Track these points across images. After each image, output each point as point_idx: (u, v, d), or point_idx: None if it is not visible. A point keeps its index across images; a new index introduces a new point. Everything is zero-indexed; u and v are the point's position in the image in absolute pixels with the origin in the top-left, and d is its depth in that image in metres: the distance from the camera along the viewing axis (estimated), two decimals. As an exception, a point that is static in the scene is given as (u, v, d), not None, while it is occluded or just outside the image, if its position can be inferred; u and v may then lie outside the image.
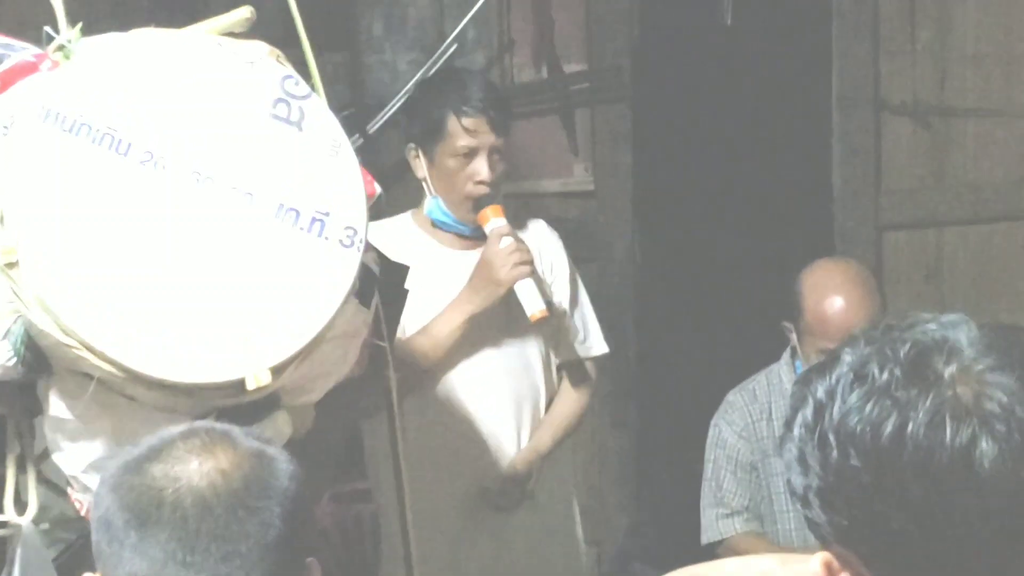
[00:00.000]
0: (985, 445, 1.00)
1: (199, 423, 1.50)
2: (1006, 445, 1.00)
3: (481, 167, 2.80)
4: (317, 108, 1.96)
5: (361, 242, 1.94)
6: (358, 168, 1.97)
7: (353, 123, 3.56)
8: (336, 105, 2.08)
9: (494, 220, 2.80)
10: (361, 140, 3.60)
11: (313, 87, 2.00)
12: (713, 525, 3.08)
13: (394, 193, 3.69)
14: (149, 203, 1.85)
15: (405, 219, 2.95)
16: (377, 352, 2.22)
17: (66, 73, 1.89)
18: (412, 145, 2.87)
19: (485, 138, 2.80)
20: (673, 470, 4.03)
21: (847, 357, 1.08)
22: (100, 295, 1.80)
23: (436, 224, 2.89)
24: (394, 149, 3.82)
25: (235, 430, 1.46)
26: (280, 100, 1.93)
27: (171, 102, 1.89)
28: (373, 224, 2.93)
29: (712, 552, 3.03)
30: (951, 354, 1.04)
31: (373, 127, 3.69)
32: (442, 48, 3.71)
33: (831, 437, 1.05)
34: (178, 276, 1.85)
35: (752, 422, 3.04)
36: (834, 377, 1.07)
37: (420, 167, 2.87)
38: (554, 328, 2.93)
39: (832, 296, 2.86)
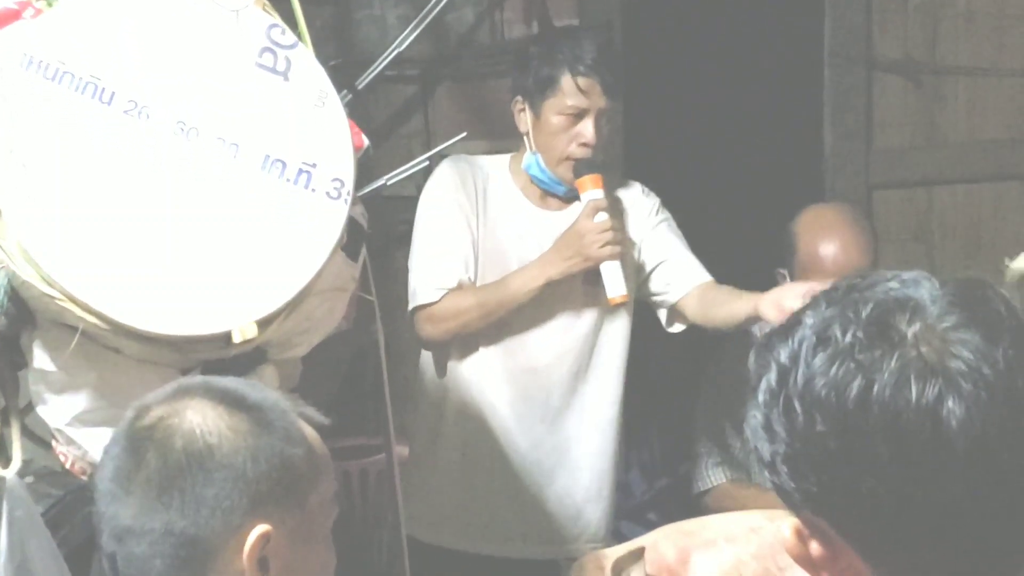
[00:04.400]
0: (952, 404, 0.98)
1: (190, 380, 1.53)
2: (973, 403, 0.98)
3: (587, 129, 2.77)
4: (304, 58, 1.93)
5: (348, 194, 1.92)
6: (345, 119, 1.95)
7: (342, 78, 3.53)
8: (323, 58, 2.05)
9: (592, 191, 2.77)
10: (350, 96, 3.57)
11: (300, 37, 1.98)
12: (703, 474, 3.08)
13: (384, 149, 3.70)
14: (133, 153, 1.83)
15: (502, 163, 2.94)
16: (365, 306, 2.21)
17: (49, 20, 1.86)
18: (519, 98, 2.84)
19: (596, 100, 2.78)
20: (661, 424, 4.03)
21: (808, 319, 1.06)
22: (84, 246, 1.78)
23: (532, 179, 2.86)
24: (383, 105, 3.81)
25: (214, 386, 1.49)
26: (266, 49, 1.91)
27: (155, 50, 1.87)
28: (464, 156, 2.95)
29: (701, 501, 3.04)
30: (914, 313, 1.02)
31: (362, 82, 3.65)
32: (431, 3, 3.67)
33: (796, 403, 1.03)
34: (163, 227, 1.83)
35: (741, 373, 3.04)
36: (796, 340, 1.05)
37: (524, 121, 2.84)
38: (671, 266, 2.91)
39: (827, 233, 2.89)
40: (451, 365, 2.89)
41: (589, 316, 2.91)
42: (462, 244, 2.82)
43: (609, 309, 2.90)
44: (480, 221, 2.84)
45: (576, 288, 2.86)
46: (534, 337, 2.87)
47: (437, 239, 2.83)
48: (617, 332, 2.95)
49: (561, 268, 2.76)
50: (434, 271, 2.80)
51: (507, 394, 2.88)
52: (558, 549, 2.93)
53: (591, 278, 2.85)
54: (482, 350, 2.87)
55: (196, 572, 1.41)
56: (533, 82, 2.81)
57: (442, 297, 2.78)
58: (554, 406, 2.90)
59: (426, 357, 2.94)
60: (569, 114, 2.77)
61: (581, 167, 2.79)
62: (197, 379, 1.53)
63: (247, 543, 1.41)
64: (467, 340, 2.85)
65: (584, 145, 2.78)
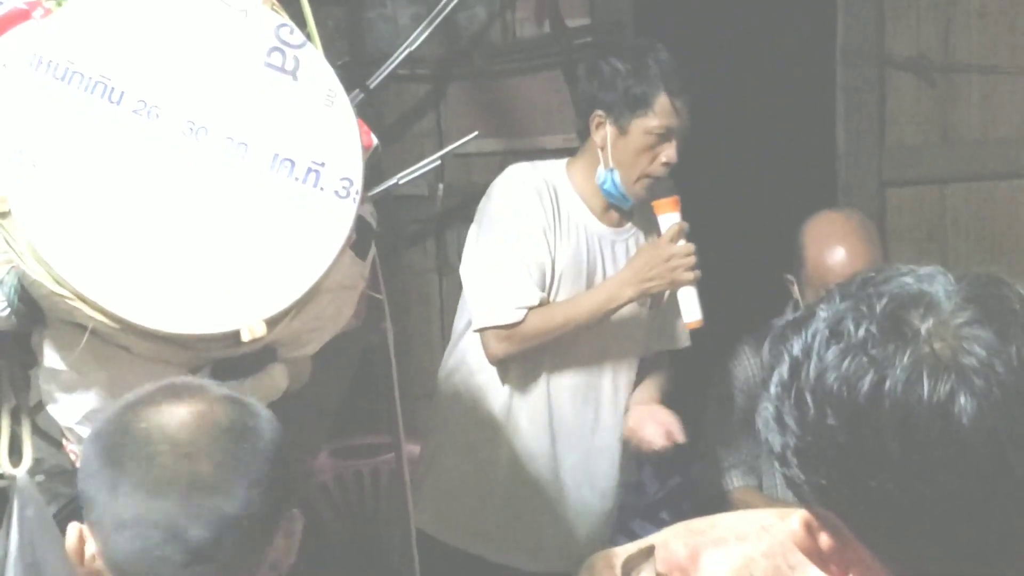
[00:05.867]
0: (963, 400, 0.97)
1: (176, 378, 1.54)
2: (985, 400, 0.97)
3: (672, 149, 2.77)
4: (312, 57, 1.94)
5: (357, 193, 1.92)
6: (354, 118, 1.95)
7: (354, 77, 3.54)
8: (334, 58, 2.06)
9: (672, 215, 2.78)
10: (362, 95, 3.57)
11: (309, 36, 1.98)
12: (712, 478, 3.08)
13: (395, 148, 3.70)
14: (142, 152, 1.84)
15: (560, 171, 2.89)
16: (374, 305, 2.21)
17: (59, 20, 1.87)
18: (600, 112, 2.80)
19: (684, 120, 2.79)
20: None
21: (822, 313, 1.06)
22: (93, 245, 1.79)
23: (603, 193, 2.83)
24: (395, 104, 3.81)
25: (209, 383, 1.53)
26: (275, 49, 1.91)
27: (164, 50, 1.87)
28: (527, 164, 2.90)
29: (711, 505, 3.03)
30: (928, 308, 1.02)
31: (374, 82, 3.65)
32: (443, 2, 3.67)
33: (808, 396, 1.03)
34: (172, 226, 1.83)
35: (751, 376, 3.04)
36: (810, 334, 1.05)
37: (602, 136, 2.80)
38: (663, 317, 2.95)
39: (833, 245, 2.87)
40: (510, 379, 2.87)
41: (638, 338, 2.93)
42: (542, 260, 2.78)
43: (650, 331, 2.93)
44: (556, 236, 2.82)
45: (634, 311, 2.87)
46: (588, 355, 2.87)
47: (516, 255, 2.77)
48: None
49: (641, 289, 2.76)
50: (514, 289, 2.76)
51: (557, 408, 2.88)
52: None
53: (645, 300, 2.87)
54: (535, 366, 2.86)
55: (261, 553, 1.44)
56: (623, 98, 2.77)
57: (525, 317, 2.75)
58: (595, 421, 2.91)
59: (459, 364, 2.93)
60: (657, 133, 2.76)
61: (658, 188, 2.79)
62: (181, 380, 1.54)
63: (293, 525, 1.48)
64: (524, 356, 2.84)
65: (666, 164, 2.77)
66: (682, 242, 2.75)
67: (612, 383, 2.92)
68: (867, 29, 3.91)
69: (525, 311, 2.74)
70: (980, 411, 0.97)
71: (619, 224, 2.89)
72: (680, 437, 2.83)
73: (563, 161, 2.93)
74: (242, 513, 1.39)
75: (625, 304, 2.78)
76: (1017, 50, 3.94)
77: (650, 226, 2.89)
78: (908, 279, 1.05)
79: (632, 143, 2.77)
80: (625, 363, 2.93)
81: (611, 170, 2.80)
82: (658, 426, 2.84)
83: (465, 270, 2.86)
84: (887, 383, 0.99)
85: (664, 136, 2.76)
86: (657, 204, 2.79)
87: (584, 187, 2.86)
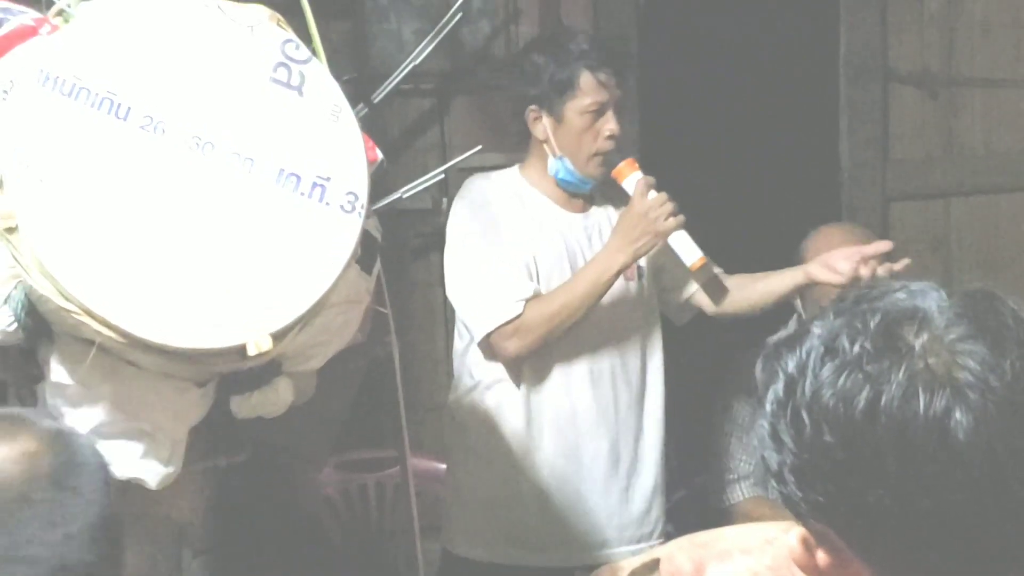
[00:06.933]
0: (959, 415, 0.98)
1: None
2: (980, 415, 0.98)
3: (611, 121, 2.82)
4: (318, 72, 1.94)
5: (362, 208, 1.93)
6: (359, 133, 1.96)
7: (358, 92, 3.55)
8: (339, 73, 2.06)
9: (634, 174, 2.81)
10: (366, 110, 3.58)
11: (314, 52, 1.99)
12: (720, 490, 3.08)
13: (400, 162, 3.71)
14: (149, 168, 1.84)
15: (514, 176, 2.95)
16: (379, 319, 2.21)
17: (65, 37, 1.88)
18: (533, 107, 2.86)
19: (614, 91, 2.83)
20: (678, 436, 4.02)
21: (816, 330, 1.07)
22: (100, 260, 1.79)
23: (560, 184, 2.89)
24: (400, 119, 3.82)
25: (27, 412, 1.46)
26: (280, 64, 1.91)
27: (171, 66, 1.88)
28: (481, 175, 2.96)
29: (718, 518, 3.04)
30: (922, 324, 1.03)
31: (378, 96, 3.66)
32: (447, 17, 3.68)
33: (804, 413, 1.04)
34: (178, 241, 1.84)
35: (755, 387, 3.04)
36: (804, 351, 1.06)
37: (541, 129, 2.86)
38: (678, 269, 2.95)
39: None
40: (525, 380, 2.88)
41: (637, 313, 2.94)
42: (524, 256, 2.82)
43: (651, 314, 2.94)
44: (532, 236, 2.86)
45: (625, 292, 2.89)
46: (594, 341, 2.89)
47: (498, 256, 2.82)
48: (657, 339, 2.98)
49: (631, 252, 2.77)
50: (507, 286, 2.80)
51: (578, 398, 2.89)
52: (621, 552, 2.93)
53: (633, 274, 2.89)
54: (546, 363, 2.87)
55: None
56: (549, 87, 2.82)
57: (525, 308, 2.78)
58: (619, 404, 2.92)
59: (469, 386, 2.93)
60: (591, 111, 2.80)
61: (612, 157, 2.82)
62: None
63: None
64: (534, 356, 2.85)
65: (611, 138, 2.82)
66: (653, 193, 2.77)
67: (629, 362, 2.92)
68: (870, 43, 3.92)
69: (523, 303, 2.78)
70: (976, 425, 0.98)
71: (585, 209, 2.94)
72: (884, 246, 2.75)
73: (515, 168, 2.97)
74: (57, 567, 1.31)
75: (620, 272, 2.79)
76: (1021, 64, 3.96)
77: (618, 201, 2.92)
78: (901, 295, 1.06)
79: (570, 127, 2.83)
80: (636, 342, 2.93)
81: (560, 158, 2.86)
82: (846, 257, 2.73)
83: (452, 288, 2.89)
84: (883, 399, 1.00)
85: (599, 112, 2.81)
86: (617, 172, 2.83)
87: (542, 184, 2.91)
